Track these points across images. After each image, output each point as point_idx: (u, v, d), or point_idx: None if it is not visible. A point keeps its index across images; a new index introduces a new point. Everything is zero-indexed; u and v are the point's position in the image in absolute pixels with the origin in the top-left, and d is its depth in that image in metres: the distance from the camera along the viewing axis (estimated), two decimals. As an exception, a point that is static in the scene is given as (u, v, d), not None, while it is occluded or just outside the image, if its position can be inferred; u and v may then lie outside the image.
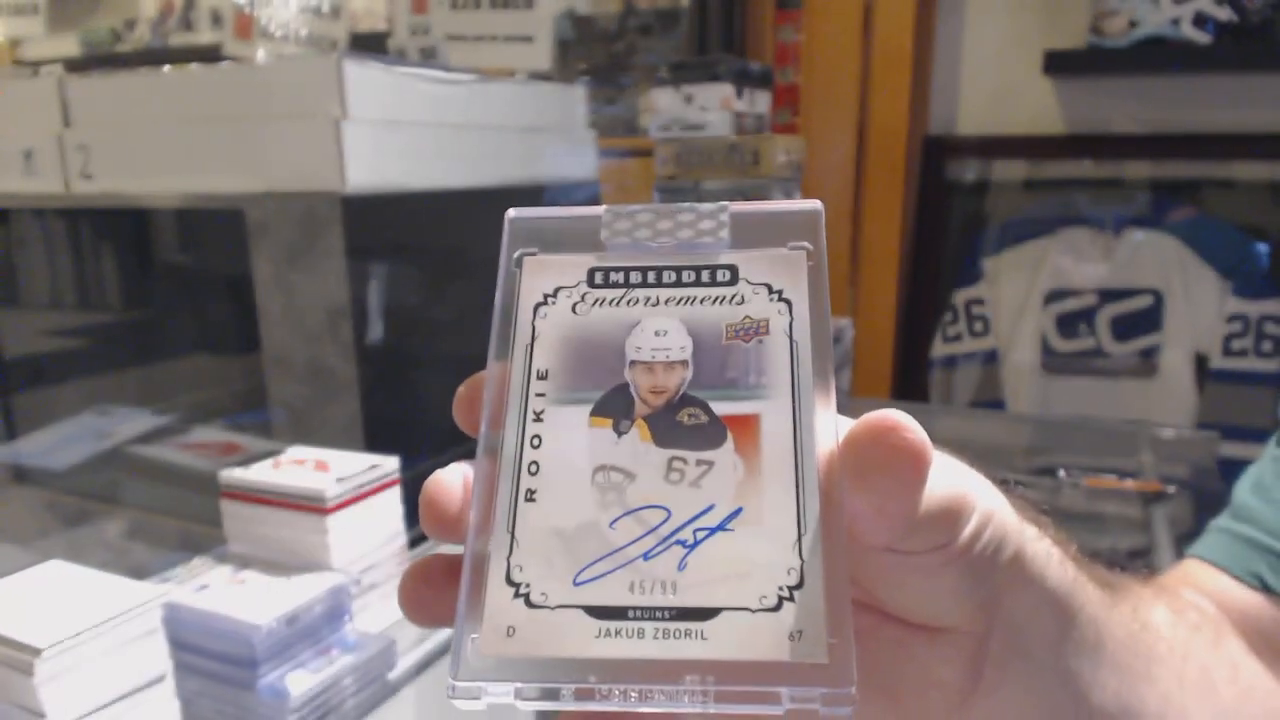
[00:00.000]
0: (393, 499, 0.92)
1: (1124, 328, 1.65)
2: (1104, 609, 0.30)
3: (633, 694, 0.21)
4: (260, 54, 1.62)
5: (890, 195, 1.76)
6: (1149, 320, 1.63)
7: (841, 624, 0.21)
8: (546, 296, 0.26)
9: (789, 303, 0.25)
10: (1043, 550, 0.28)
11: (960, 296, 1.77)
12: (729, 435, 0.23)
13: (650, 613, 0.21)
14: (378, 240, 1.07)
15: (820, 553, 0.22)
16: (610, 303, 0.26)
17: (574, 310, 0.26)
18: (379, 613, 0.91)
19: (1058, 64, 1.62)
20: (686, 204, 0.27)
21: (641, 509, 0.23)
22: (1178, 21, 1.50)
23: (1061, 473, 1.19)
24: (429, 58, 1.44)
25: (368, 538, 0.90)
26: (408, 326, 1.15)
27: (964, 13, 1.75)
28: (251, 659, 0.76)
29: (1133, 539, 1.08)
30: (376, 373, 1.06)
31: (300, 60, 1.47)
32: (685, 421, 0.24)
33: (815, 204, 0.26)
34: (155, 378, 1.39)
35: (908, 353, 1.85)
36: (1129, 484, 1.16)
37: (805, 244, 0.26)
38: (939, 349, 1.79)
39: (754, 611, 0.21)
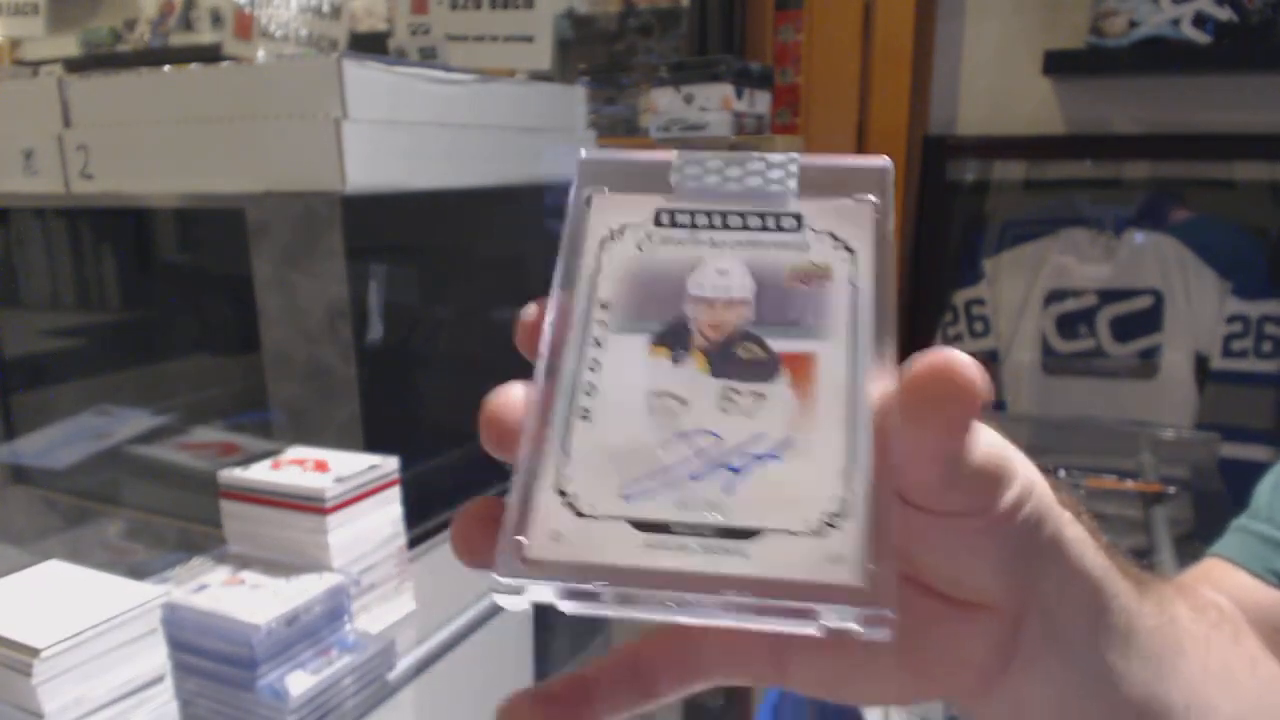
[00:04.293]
0: (392, 499, 0.92)
1: (1124, 328, 1.64)
2: (1134, 600, 0.30)
3: (671, 603, 0.21)
4: (260, 54, 1.62)
5: (890, 195, 1.75)
6: (1149, 321, 1.63)
7: (884, 552, 0.21)
8: (613, 232, 0.27)
9: (853, 252, 0.25)
10: (1080, 534, 0.28)
11: (960, 297, 1.76)
12: (784, 370, 0.24)
13: (695, 529, 0.22)
14: (377, 240, 1.07)
15: (868, 486, 0.22)
16: (675, 242, 0.26)
17: (639, 247, 0.26)
18: (378, 613, 0.91)
19: (1058, 64, 1.62)
20: (756, 153, 0.27)
21: (693, 433, 0.23)
22: (1178, 21, 1.50)
23: (1062, 473, 1.19)
24: (429, 58, 1.43)
25: (367, 538, 0.90)
26: (408, 326, 1.14)
27: (964, 13, 1.75)
28: (251, 659, 0.76)
29: (1133, 539, 1.08)
30: (376, 373, 1.06)
31: (300, 60, 1.47)
32: (742, 355, 0.24)
33: (885, 161, 0.26)
34: (155, 378, 1.39)
35: (908, 353, 1.84)
36: (1129, 484, 1.16)
37: (871, 197, 0.26)
38: (939, 349, 1.79)
39: (796, 534, 0.21)
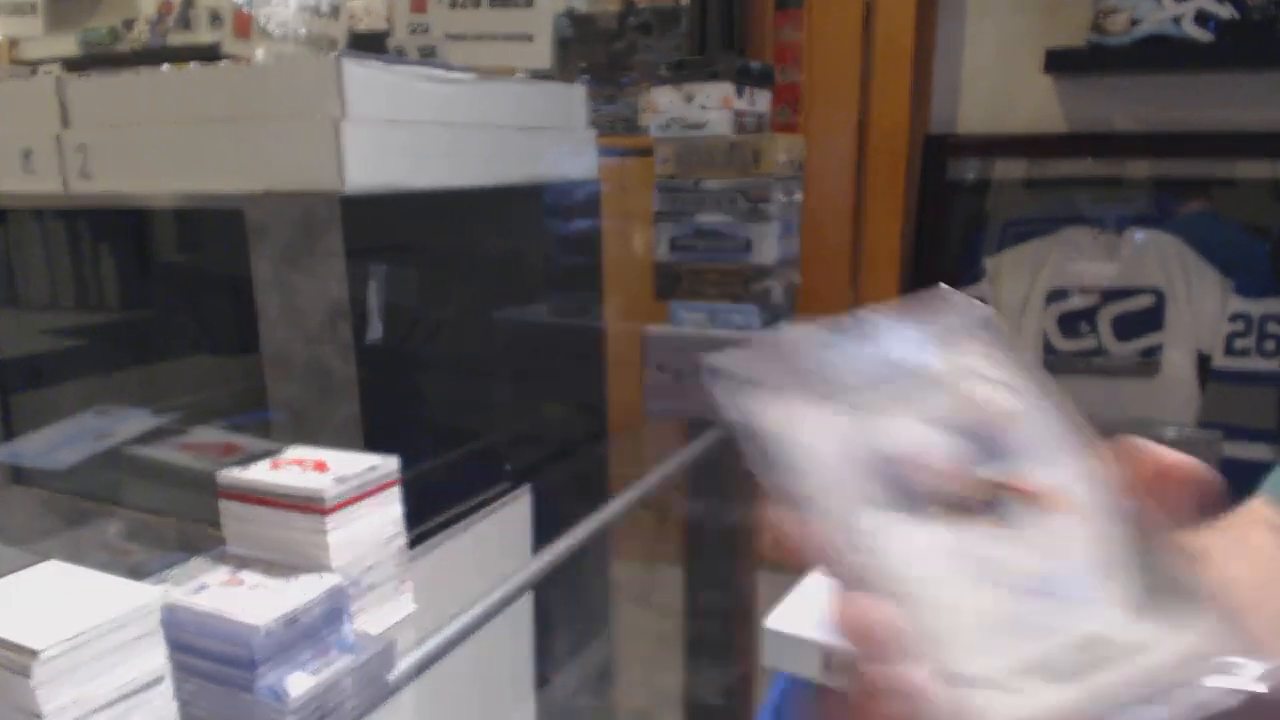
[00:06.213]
0: (392, 499, 0.92)
1: (1126, 327, 1.64)
2: None
3: None
4: (259, 53, 1.62)
5: (891, 194, 1.75)
6: (1151, 319, 1.62)
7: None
8: (807, 435, 0.27)
9: (1006, 384, 0.28)
10: None
11: (961, 296, 1.76)
12: (1040, 499, 0.25)
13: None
14: (377, 240, 1.07)
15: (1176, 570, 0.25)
16: (874, 410, 0.27)
17: (841, 442, 0.26)
18: (378, 614, 0.91)
19: (1059, 62, 1.62)
20: (875, 316, 0.30)
21: (1027, 582, 0.24)
22: (1179, 19, 1.49)
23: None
24: (428, 56, 1.43)
25: (367, 538, 0.89)
26: (407, 326, 1.14)
27: (964, 12, 1.74)
28: (250, 660, 0.76)
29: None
30: (376, 373, 1.06)
31: (299, 59, 1.47)
32: (1005, 498, 0.25)
33: (988, 309, 0.30)
34: (154, 378, 1.39)
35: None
36: (1131, 483, 1.16)
37: (983, 328, 0.30)
38: (940, 348, 1.79)
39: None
